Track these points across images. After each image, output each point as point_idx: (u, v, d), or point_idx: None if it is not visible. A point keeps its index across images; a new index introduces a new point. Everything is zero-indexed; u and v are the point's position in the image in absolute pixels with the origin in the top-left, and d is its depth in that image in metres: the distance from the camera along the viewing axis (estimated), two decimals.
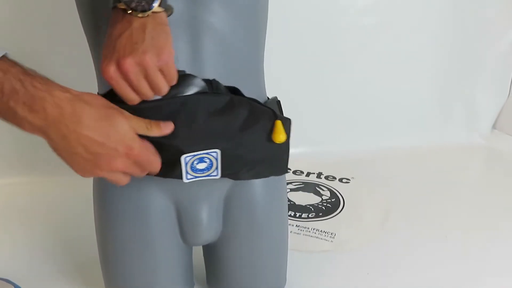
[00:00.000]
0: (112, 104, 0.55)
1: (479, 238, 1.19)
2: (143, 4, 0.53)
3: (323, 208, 1.34)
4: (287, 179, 1.50)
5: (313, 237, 1.20)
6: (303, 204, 1.36)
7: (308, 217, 1.29)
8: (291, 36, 1.59)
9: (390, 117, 1.74)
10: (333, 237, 1.20)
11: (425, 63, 1.73)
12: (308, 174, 1.55)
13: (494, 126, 1.84)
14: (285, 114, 0.73)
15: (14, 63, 0.51)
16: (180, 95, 0.61)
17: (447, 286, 1.02)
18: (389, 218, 1.28)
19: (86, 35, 0.72)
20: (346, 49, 1.65)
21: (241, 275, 0.86)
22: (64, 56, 1.38)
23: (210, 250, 0.88)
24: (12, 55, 0.52)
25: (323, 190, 1.45)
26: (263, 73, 0.80)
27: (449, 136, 1.78)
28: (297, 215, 1.30)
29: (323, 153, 1.67)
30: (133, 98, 0.55)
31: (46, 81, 0.51)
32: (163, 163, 0.62)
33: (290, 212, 1.32)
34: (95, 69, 0.73)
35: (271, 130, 0.69)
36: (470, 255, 1.12)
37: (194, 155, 0.65)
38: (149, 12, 0.53)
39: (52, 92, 0.50)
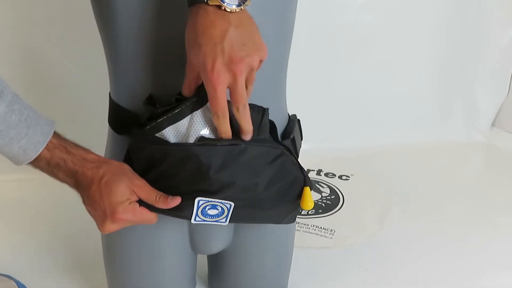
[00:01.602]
0: (129, 171, 0.62)
1: (478, 235, 1.19)
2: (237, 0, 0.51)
3: (323, 205, 1.35)
4: None
5: (313, 233, 1.21)
6: None
7: (308, 214, 1.29)
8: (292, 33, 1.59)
9: (389, 114, 1.74)
10: (333, 234, 1.20)
11: (424, 60, 1.74)
12: (308, 171, 1.56)
13: (493, 124, 1.84)
14: None
15: (59, 140, 0.60)
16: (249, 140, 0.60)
17: (446, 282, 1.02)
18: (389, 215, 1.29)
19: (101, 32, 0.68)
20: (346, 46, 1.66)
21: (246, 280, 0.86)
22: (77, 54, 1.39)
23: (216, 255, 0.86)
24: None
25: (322, 187, 1.46)
26: (285, 88, 0.78)
27: (448, 134, 1.78)
28: None
29: (323, 150, 1.67)
30: (224, 110, 0.54)
31: (83, 157, 0.60)
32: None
33: None
34: (109, 68, 0.71)
35: (298, 195, 0.68)
36: (469, 251, 1.13)
37: (209, 201, 0.64)
38: (243, 6, 0.51)
39: (85, 167, 0.60)
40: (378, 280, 1.03)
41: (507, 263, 1.09)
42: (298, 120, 0.80)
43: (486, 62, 1.78)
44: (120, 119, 0.72)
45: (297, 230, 1.22)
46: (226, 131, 0.57)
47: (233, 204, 0.65)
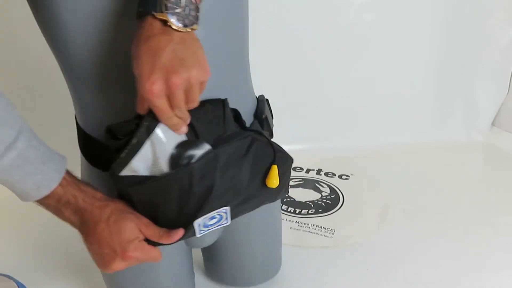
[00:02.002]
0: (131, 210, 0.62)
1: (478, 234, 1.19)
2: (189, 19, 0.51)
3: (323, 204, 1.35)
4: None
5: (313, 233, 1.21)
6: (303, 201, 1.36)
7: (308, 214, 1.29)
8: (290, 33, 1.60)
9: (389, 114, 1.74)
10: (333, 233, 1.20)
11: (424, 60, 1.74)
12: (308, 171, 1.56)
13: (493, 123, 1.84)
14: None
15: (71, 177, 0.59)
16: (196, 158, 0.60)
17: (446, 282, 1.02)
18: (388, 214, 1.29)
19: (52, 50, 0.65)
20: (345, 46, 1.66)
21: (240, 265, 0.93)
22: None
23: (209, 247, 0.91)
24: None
25: (322, 186, 1.46)
26: (250, 73, 0.81)
27: (448, 133, 1.78)
28: (297, 212, 1.30)
29: (323, 150, 1.68)
30: (169, 112, 0.53)
31: (93, 195, 0.60)
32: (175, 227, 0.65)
33: (290, 208, 1.32)
34: (70, 90, 0.69)
35: (266, 172, 0.69)
36: (469, 251, 1.13)
37: (205, 217, 0.65)
38: (189, 28, 0.51)
39: (94, 205, 0.59)
40: (378, 279, 1.03)
41: (507, 262, 1.09)
42: (267, 99, 0.83)
43: (486, 61, 1.78)
44: (89, 147, 0.71)
45: (297, 229, 1.22)
46: (176, 123, 0.55)
47: (229, 208, 0.67)
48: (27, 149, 0.52)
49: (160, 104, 0.51)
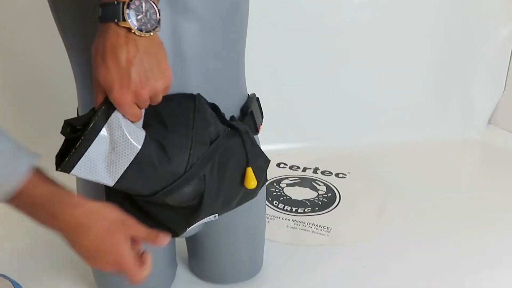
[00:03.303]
0: (121, 216, 0.60)
1: (474, 233, 1.19)
2: (151, 23, 0.53)
3: (319, 203, 1.35)
4: (284, 174, 1.52)
5: (309, 231, 1.21)
6: (300, 199, 1.36)
7: (304, 212, 1.29)
8: (288, 32, 1.60)
9: (386, 113, 1.74)
10: (329, 232, 1.20)
11: (420, 58, 1.74)
12: (304, 169, 1.56)
13: (489, 121, 1.85)
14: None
15: (42, 178, 0.57)
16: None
17: (442, 280, 1.02)
18: (385, 212, 1.29)
19: (69, 51, 0.71)
20: (342, 45, 1.66)
21: (222, 259, 0.94)
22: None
23: (192, 239, 0.94)
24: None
25: (319, 185, 1.46)
26: (244, 72, 0.83)
27: (445, 132, 1.78)
28: (294, 210, 1.30)
29: (319, 148, 1.68)
30: (138, 113, 0.57)
31: (69, 198, 0.58)
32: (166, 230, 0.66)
33: (286, 207, 1.32)
34: (77, 83, 0.73)
35: (242, 175, 0.72)
36: (465, 249, 1.13)
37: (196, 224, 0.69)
38: (152, 32, 0.53)
39: (71, 205, 0.57)
40: (374, 277, 1.04)
41: (503, 261, 1.09)
42: (257, 98, 0.85)
43: (482, 60, 1.78)
44: None
45: (293, 228, 1.22)
46: (135, 114, 0.57)
47: (217, 214, 0.71)
48: None
49: (128, 110, 0.56)
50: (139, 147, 0.58)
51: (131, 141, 0.58)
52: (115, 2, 0.51)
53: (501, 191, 1.41)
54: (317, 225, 1.23)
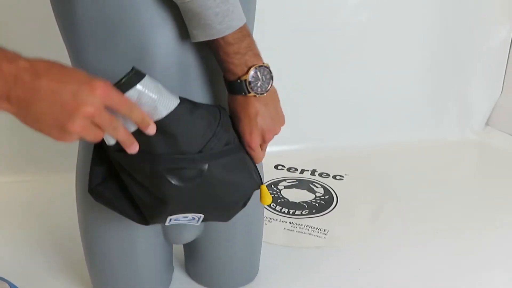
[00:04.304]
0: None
1: (471, 234, 1.20)
2: (268, 82, 0.69)
3: (317, 205, 1.35)
4: (282, 176, 1.52)
5: (306, 233, 1.21)
6: (297, 201, 1.37)
7: (301, 214, 1.30)
8: (285, 33, 1.60)
9: (383, 114, 1.74)
10: (326, 234, 1.21)
11: (418, 59, 1.74)
12: (302, 171, 1.56)
13: (487, 123, 1.85)
14: None
15: None
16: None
17: (439, 281, 1.03)
18: (382, 214, 1.29)
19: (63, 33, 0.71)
20: (339, 47, 1.66)
21: (219, 265, 0.95)
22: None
23: (190, 244, 0.94)
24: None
25: (317, 187, 1.46)
26: None
27: (442, 133, 1.79)
28: (291, 212, 1.31)
29: (317, 150, 1.68)
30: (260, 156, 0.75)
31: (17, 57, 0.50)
32: (147, 213, 0.69)
33: (283, 209, 1.32)
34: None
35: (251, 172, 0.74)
36: (462, 250, 1.13)
37: (179, 216, 0.70)
38: (266, 93, 0.69)
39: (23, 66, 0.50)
40: (371, 279, 1.04)
41: (501, 261, 1.09)
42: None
43: (480, 61, 1.78)
44: None
45: (291, 230, 1.22)
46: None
47: (202, 216, 0.71)
48: None
49: (258, 151, 0.73)
50: (179, 101, 0.63)
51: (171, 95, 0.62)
52: (239, 81, 0.66)
53: (498, 193, 1.41)
54: (314, 227, 1.23)
